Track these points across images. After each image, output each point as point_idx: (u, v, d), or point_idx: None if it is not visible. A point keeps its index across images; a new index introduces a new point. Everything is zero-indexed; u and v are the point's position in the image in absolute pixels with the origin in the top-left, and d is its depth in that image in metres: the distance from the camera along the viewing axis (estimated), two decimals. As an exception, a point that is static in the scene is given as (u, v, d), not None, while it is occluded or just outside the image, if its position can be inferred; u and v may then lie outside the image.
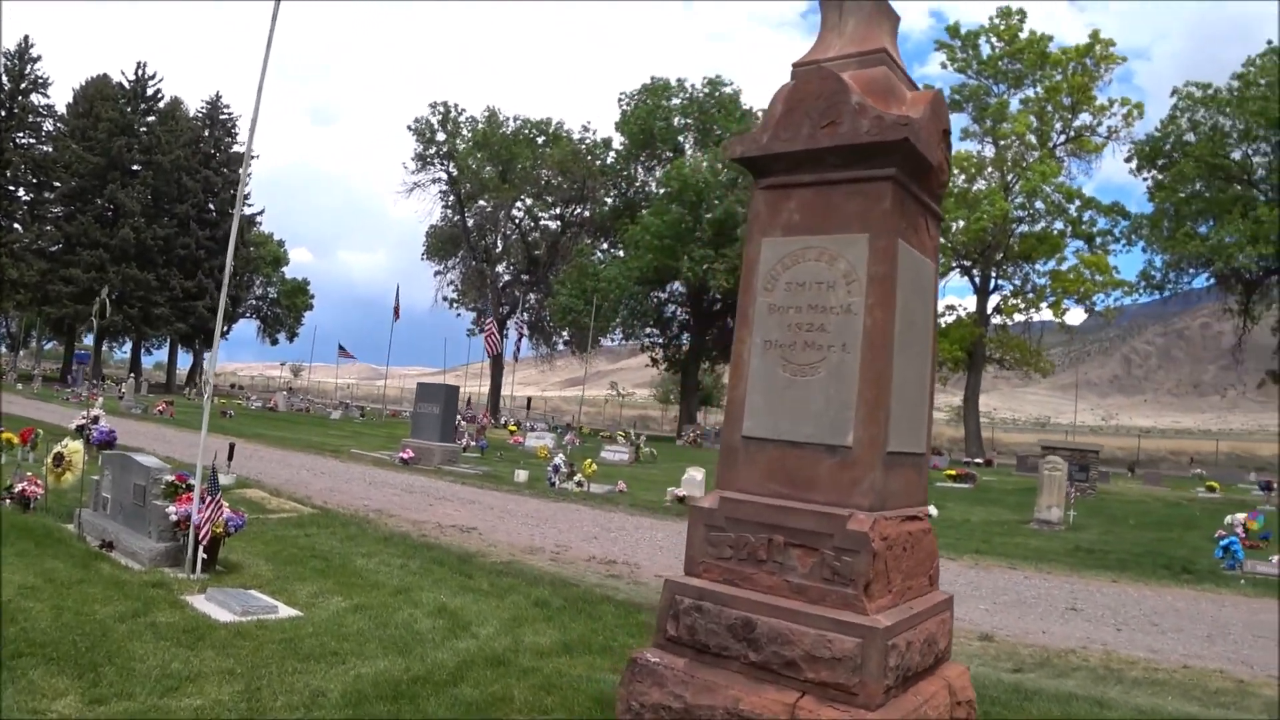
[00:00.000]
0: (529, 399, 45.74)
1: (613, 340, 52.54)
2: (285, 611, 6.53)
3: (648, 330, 48.81)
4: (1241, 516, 15.76)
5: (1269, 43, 38.70)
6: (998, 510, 20.61)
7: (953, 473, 28.56)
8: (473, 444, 24.44)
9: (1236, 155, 39.22)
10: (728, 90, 48.76)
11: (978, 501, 22.79)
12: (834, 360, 4.01)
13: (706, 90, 48.53)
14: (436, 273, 56.54)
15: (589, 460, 18.95)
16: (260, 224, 66.02)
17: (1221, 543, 13.10)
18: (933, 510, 17.43)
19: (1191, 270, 41.14)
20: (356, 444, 24.50)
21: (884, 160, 4.04)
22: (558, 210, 52.46)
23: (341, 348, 49.21)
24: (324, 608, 6.80)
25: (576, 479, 17.72)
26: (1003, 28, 44.03)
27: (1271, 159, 38.10)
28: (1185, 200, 40.63)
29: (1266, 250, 35.27)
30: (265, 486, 13.57)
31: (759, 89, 51.97)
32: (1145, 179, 43.07)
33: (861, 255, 4.03)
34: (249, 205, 62.30)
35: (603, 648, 6.57)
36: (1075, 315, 48.72)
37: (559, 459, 18.55)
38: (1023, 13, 43.92)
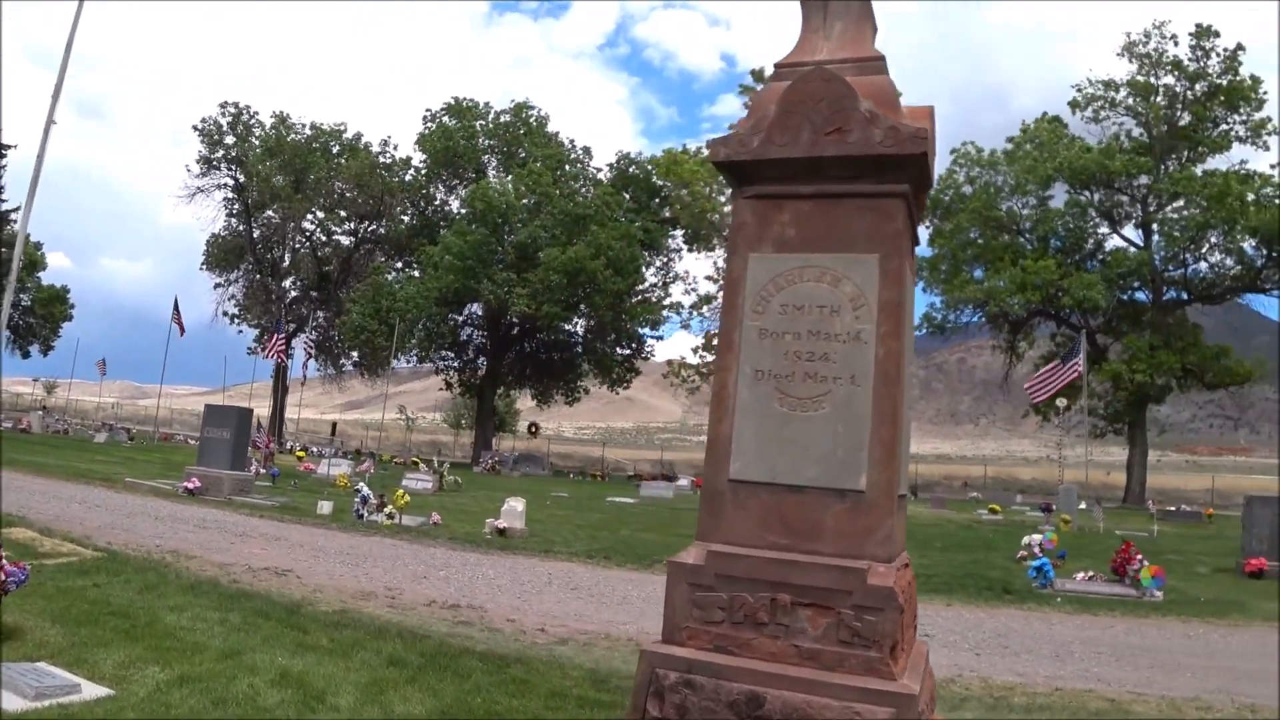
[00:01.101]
0: (334, 424, 42.84)
1: (408, 362, 50.46)
2: (91, 691, 5.27)
3: (443, 353, 47.35)
4: (1038, 538, 16.99)
5: (1044, 113, 44.39)
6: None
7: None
8: (263, 471, 22.31)
9: (1006, 207, 43.78)
10: (534, 114, 48.61)
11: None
12: (841, 394, 3.63)
13: (512, 113, 48.15)
14: (217, 285, 52.09)
15: (400, 490, 17.71)
16: (14, 221, 58.02)
17: (1034, 564, 13.97)
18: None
19: (966, 311, 45.25)
20: (130, 471, 21.69)
21: (898, 175, 3.74)
22: (352, 225, 49.87)
23: (102, 363, 43.92)
24: (139, 682, 5.58)
25: (387, 511, 16.47)
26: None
27: (1037, 212, 42.97)
28: (962, 247, 44.77)
29: (1033, 297, 39.52)
30: (33, 525, 11.48)
31: (561, 117, 52.61)
32: (927, 227, 47.04)
33: (871, 278, 3.69)
34: (1, 201, 54.60)
35: (487, 714, 5.83)
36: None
37: (366, 489, 17.18)
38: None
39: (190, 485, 17.41)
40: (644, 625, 9.43)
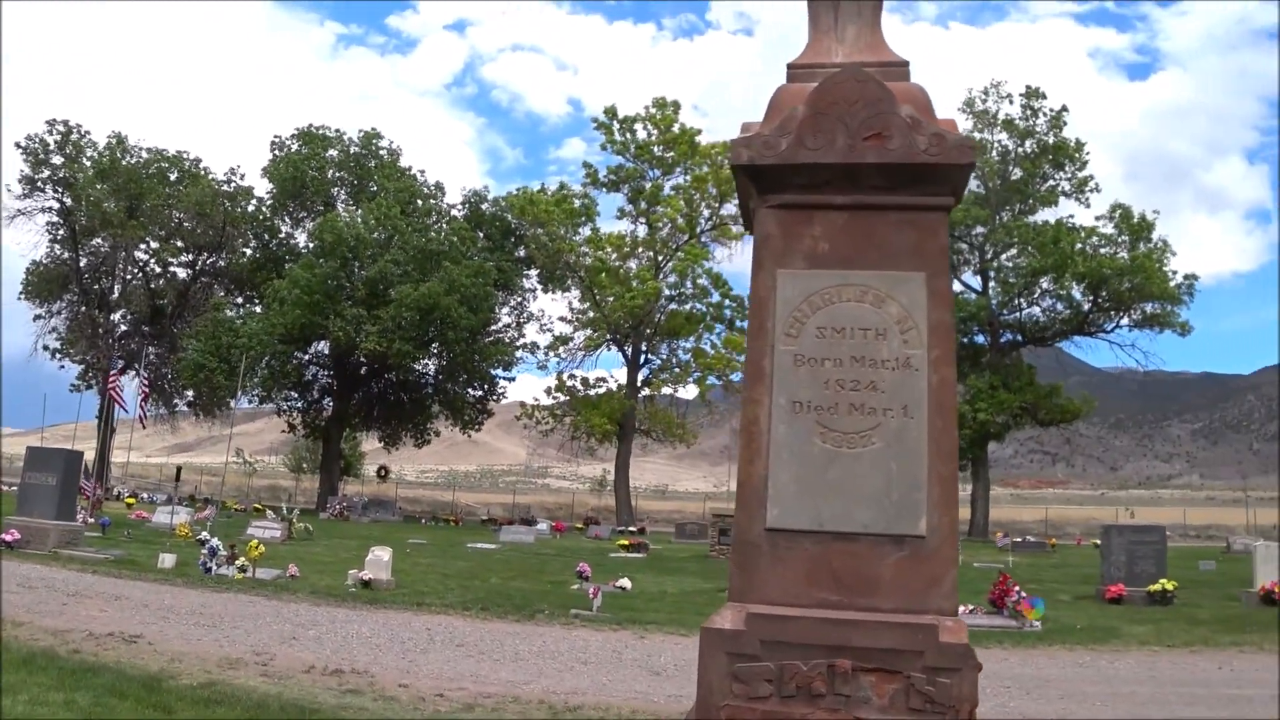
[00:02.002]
0: (178, 468, 39.02)
1: (250, 402, 47.11)
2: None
3: (286, 393, 44.45)
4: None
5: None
6: (685, 579, 20.89)
7: (625, 543, 28.90)
8: (91, 520, 19.86)
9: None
10: (385, 145, 47.11)
11: (659, 571, 23.03)
12: (892, 427, 3.22)
13: (362, 144, 46.41)
14: (37, 317, 47.02)
15: (254, 541, 16.08)
16: None
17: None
18: (626, 583, 17.21)
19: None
20: (-82, 524, 18.81)
21: (941, 186, 3.41)
22: (190, 257, 46.32)
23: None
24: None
25: (239, 563, 14.88)
26: (659, 117, 47.54)
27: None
28: (810, 291, 46.45)
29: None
30: None
31: (409, 154, 50.52)
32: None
33: (918, 298, 3.32)
34: None
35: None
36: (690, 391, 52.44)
37: (215, 540, 15.51)
38: (677, 104, 47.92)
39: (9, 538, 15.18)
40: (548, 684, 8.71)
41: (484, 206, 47.09)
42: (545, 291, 48.40)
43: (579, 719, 7.39)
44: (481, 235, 44.95)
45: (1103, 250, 39.43)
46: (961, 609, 14.02)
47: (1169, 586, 15.42)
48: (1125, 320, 40.41)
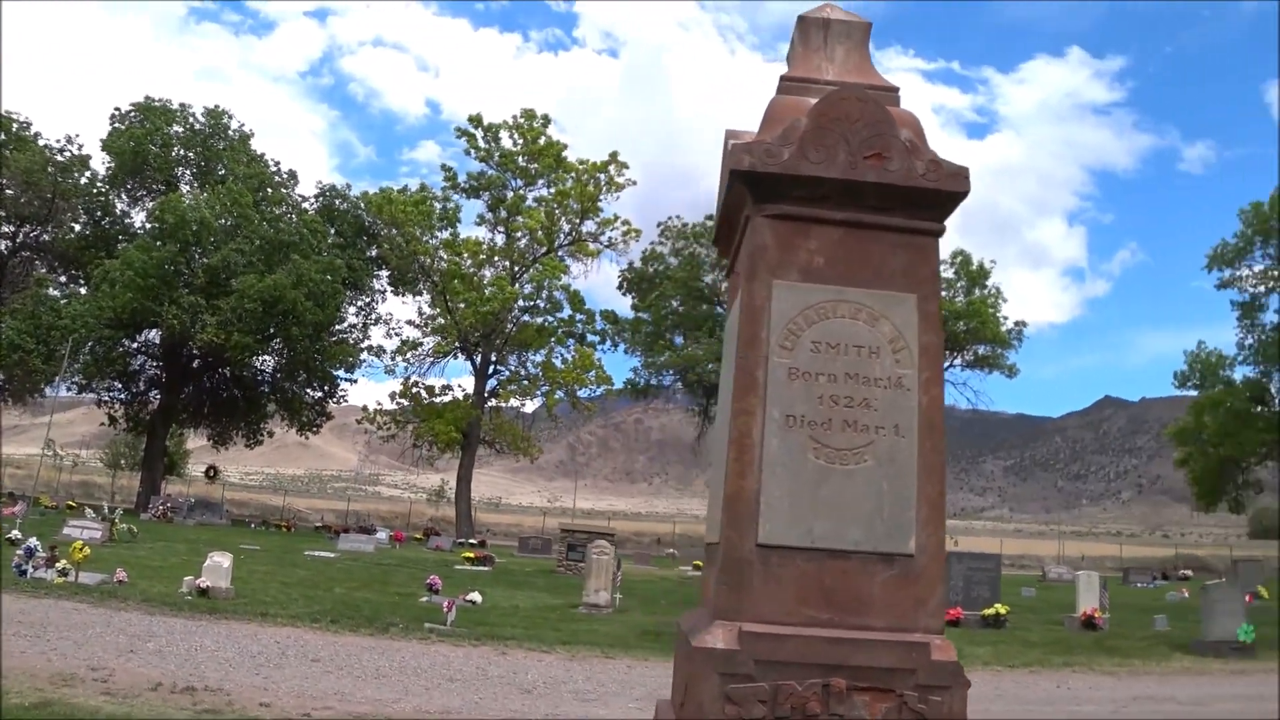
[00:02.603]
0: None
1: (68, 390, 42.91)
2: None
3: (109, 383, 40.77)
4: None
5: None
6: (535, 594, 20.57)
7: (471, 555, 28.21)
8: None
9: (709, 279, 46.89)
10: (235, 127, 44.33)
11: (509, 585, 22.61)
12: (884, 446, 3.21)
13: (209, 121, 43.46)
14: None
15: (78, 542, 14.54)
16: None
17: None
18: (477, 597, 16.80)
19: (665, 374, 47.49)
20: None
21: (935, 213, 3.46)
22: (11, 228, 41.74)
23: None
24: None
25: (60, 566, 13.45)
26: (526, 128, 47.18)
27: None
28: (665, 315, 47.15)
29: (729, 364, 42.34)
30: None
31: (254, 139, 46.98)
32: (630, 296, 49.09)
33: (910, 319, 3.34)
34: None
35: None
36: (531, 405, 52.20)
37: (32, 540, 13.96)
38: (546, 118, 47.72)
39: None
40: (417, 703, 8.31)
41: (338, 202, 45.13)
42: (395, 294, 46.89)
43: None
44: (333, 231, 43.03)
45: (943, 294, 42.09)
46: None
47: (1002, 610, 16.36)
48: (959, 360, 43.13)
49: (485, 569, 26.60)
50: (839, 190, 3.37)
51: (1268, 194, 40.61)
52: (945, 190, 3.38)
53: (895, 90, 3.73)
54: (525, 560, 32.96)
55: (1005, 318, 42.32)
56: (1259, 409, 43.39)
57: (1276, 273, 43.25)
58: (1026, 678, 11.55)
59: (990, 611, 16.41)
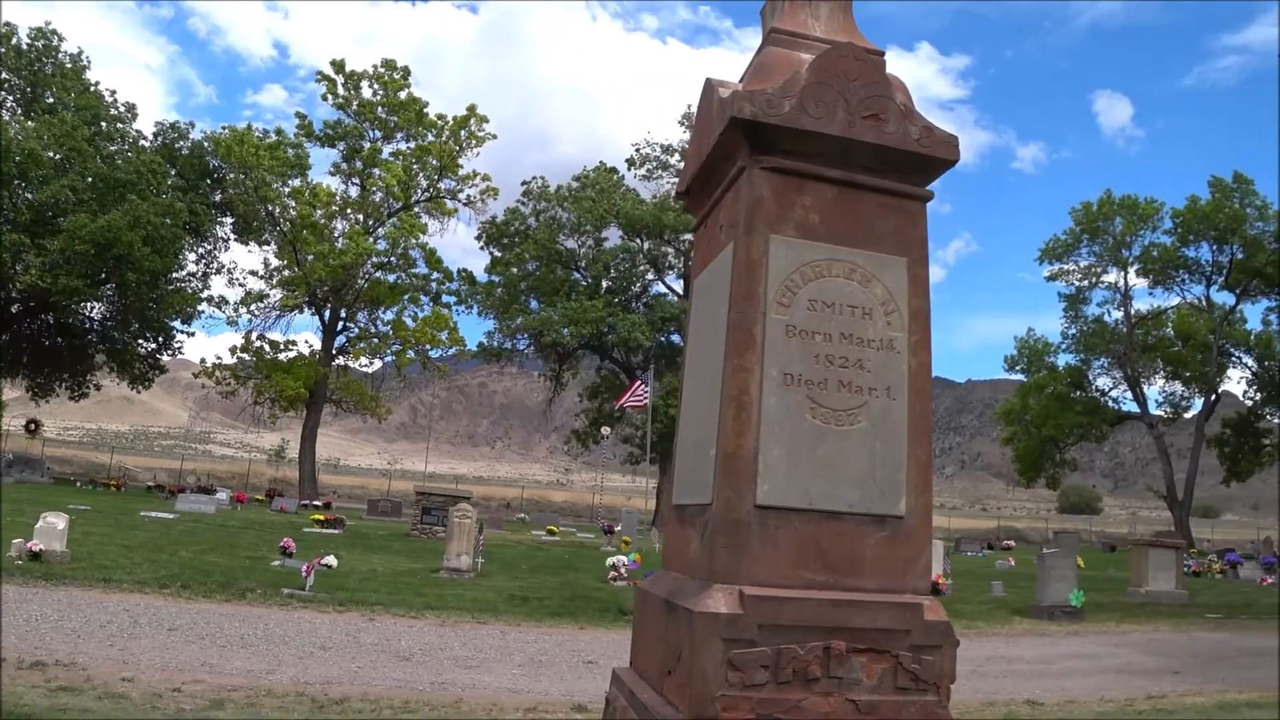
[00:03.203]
0: None
1: None
2: None
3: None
4: (624, 560, 17.71)
5: (600, 162, 48.08)
6: (392, 558, 19.90)
7: (321, 517, 27.00)
8: None
9: (569, 244, 46.53)
10: (67, 51, 39.85)
11: (363, 549, 21.78)
12: (877, 408, 3.16)
13: (37, 44, 38.82)
14: None
15: (-123, 502, 12.86)
16: None
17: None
18: (333, 561, 16.13)
19: (519, 338, 46.78)
20: None
21: (924, 178, 3.42)
22: None
23: None
24: None
25: None
26: (387, 79, 45.03)
27: (593, 252, 46.27)
28: (522, 277, 46.40)
29: (584, 331, 42.16)
30: None
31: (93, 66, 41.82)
32: (491, 253, 47.95)
33: (900, 282, 3.30)
34: None
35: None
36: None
37: None
38: (407, 70, 45.68)
39: None
40: (293, 673, 7.83)
41: (180, 143, 41.63)
42: (240, 242, 43.96)
43: (347, 713, 6.68)
44: (175, 172, 39.71)
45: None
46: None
47: None
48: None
49: (336, 532, 25.53)
50: (836, 148, 3.27)
51: (1095, 195, 44.09)
52: (937, 157, 3.35)
53: (883, 54, 3.65)
54: (376, 523, 31.90)
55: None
56: (1077, 393, 47.42)
57: (1099, 269, 47.24)
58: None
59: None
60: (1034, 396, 47.27)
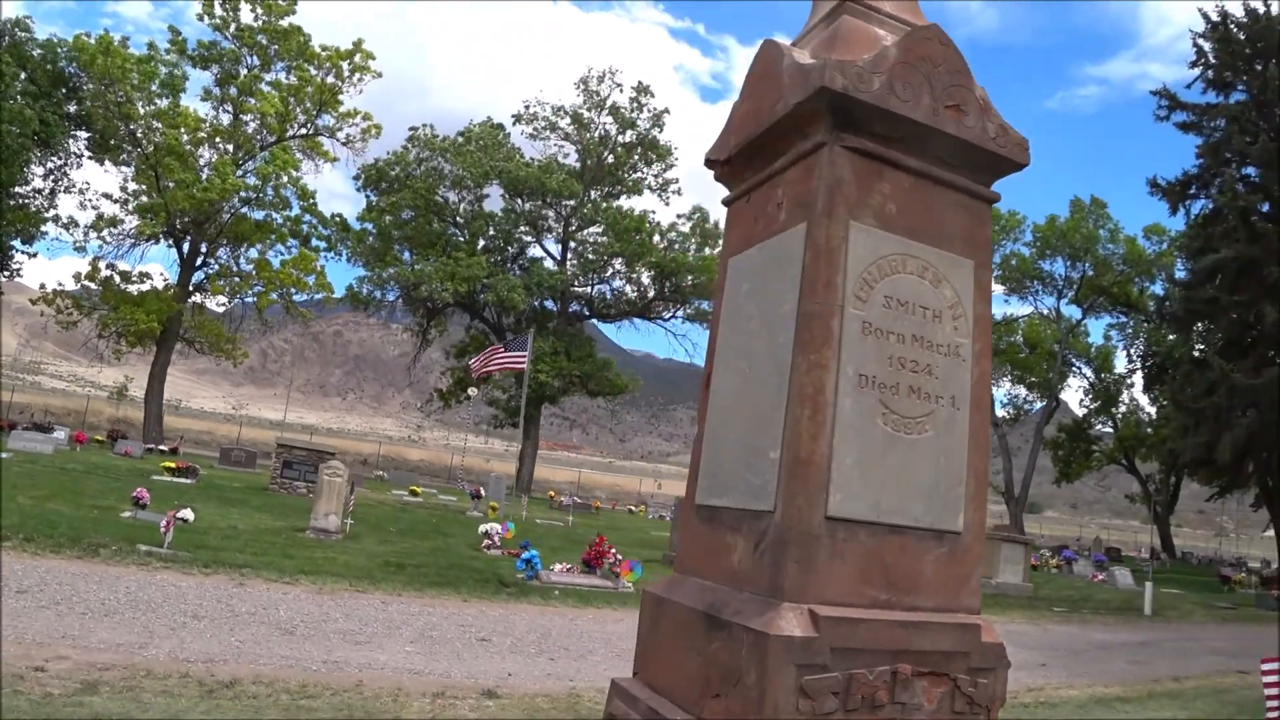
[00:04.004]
0: None
1: None
2: None
3: None
4: (496, 527, 17.21)
5: (488, 117, 46.58)
6: (253, 514, 18.56)
7: (172, 465, 25.05)
8: None
9: (451, 196, 44.83)
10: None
11: (220, 502, 20.32)
12: (943, 417, 2.94)
13: None
14: None
15: None
16: None
17: (523, 556, 13.92)
18: (189, 514, 14.96)
19: (389, 288, 44.78)
20: None
21: (994, 179, 3.22)
22: None
23: None
24: None
25: None
26: (271, 4, 41.90)
27: (473, 208, 44.81)
28: (396, 225, 44.45)
29: (460, 287, 40.80)
30: None
31: None
32: (368, 197, 45.70)
33: (967, 285, 3.08)
34: None
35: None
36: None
37: None
38: (294, -3, 42.68)
39: None
40: (169, 648, 7.04)
41: (31, 45, 37.41)
42: (96, 160, 40.12)
43: (241, 698, 6.02)
44: (24, 76, 35.71)
45: (676, 246, 43.40)
46: (559, 567, 14.08)
47: None
48: (681, 312, 44.96)
49: (189, 481, 23.73)
50: (917, 135, 3.01)
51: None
52: (1010, 158, 3.15)
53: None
54: (229, 473, 29.92)
55: (732, 279, 44.55)
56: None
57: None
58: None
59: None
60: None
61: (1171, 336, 39.40)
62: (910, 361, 2.91)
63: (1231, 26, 31.63)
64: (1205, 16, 32.41)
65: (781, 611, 2.57)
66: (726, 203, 3.54)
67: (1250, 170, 29.59)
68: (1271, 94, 30.17)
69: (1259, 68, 30.99)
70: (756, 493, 2.85)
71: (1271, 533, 37.17)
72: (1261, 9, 31.30)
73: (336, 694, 6.38)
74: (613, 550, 14.33)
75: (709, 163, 3.55)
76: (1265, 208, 29.44)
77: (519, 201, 45.34)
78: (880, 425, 2.83)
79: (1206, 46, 30.60)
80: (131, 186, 40.50)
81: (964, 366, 3.01)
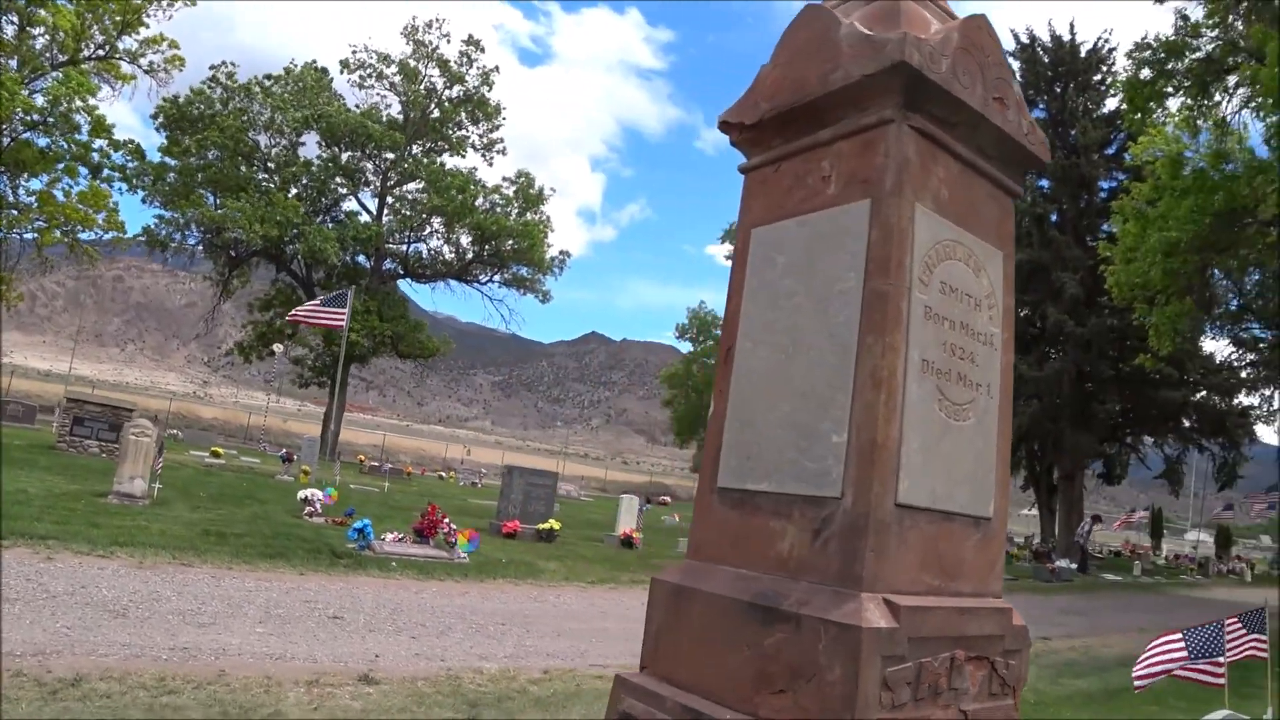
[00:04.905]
0: None
1: None
2: None
3: None
4: (318, 493, 16.11)
5: (313, 59, 43.08)
6: (44, 477, 16.23)
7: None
8: None
9: (262, 139, 41.12)
10: None
11: (6, 463, 17.69)
12: (981, 405, 2.90)
13: None
14: None
15: None
16: None
17: (355, 525, 13.12)
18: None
19: (190, 231, 40.55)
20: None
21: (1020, 173, 3.20)
22: None
23: None
24: None
25: None
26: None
27: (286, 153, 41.38)
28: (201, 167, 40.27)
29: (272, 232, 37.58)
30: None
31: None
32: (165, 134, 41.16)
33: (999, 275, 3.06)
34: None
35: None
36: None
37: None
38: (87, -102, 37.35)
39: None
40: (91, 640, 6.01)
41: None
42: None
43: (91, 698, 5.16)
44: None
45: (498, 209, 42.11)
46: (391, 536, 13.34)
47: (555, 526, 16.88)
48: (499, 277, 43.78)
49: (-50, 432, 20.59)
50: (969, 123, 2.93)
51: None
52: (1038, 156, 3.16)
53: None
54: (9, 430, 26.24)
55: (550, 245, 43.64)
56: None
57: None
58: (611, 594, 12.15)
59: (545, 526, 16.67)
60: (697, 365, 51.02)
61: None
62: (959, 348, 2.85)
63: (1038, 49, 34.76)
64: (1016, 38, 35.46)
65: (863, 603, 2.42)
66: (746, 169, 3.33)
67: (1044, 183, 32.73)
68: (1068, 114, 33.61)
69: (1058, 90, 34.35)
70: (814, 477, 2.68)
71: (1033, 511, 41.42)
72: (1067, 36, 34.65)
73: (200, 687, 5.66)
74: (446, 519, 13.82)
75: (726, 126, 3.32)
76: (1054, 218, 32.85)
77: (336, 150, 42.52)
78: (937, 412, 2.75)
79: (1016, 66, 33.34)
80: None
81: (996, 355, 3.00)
